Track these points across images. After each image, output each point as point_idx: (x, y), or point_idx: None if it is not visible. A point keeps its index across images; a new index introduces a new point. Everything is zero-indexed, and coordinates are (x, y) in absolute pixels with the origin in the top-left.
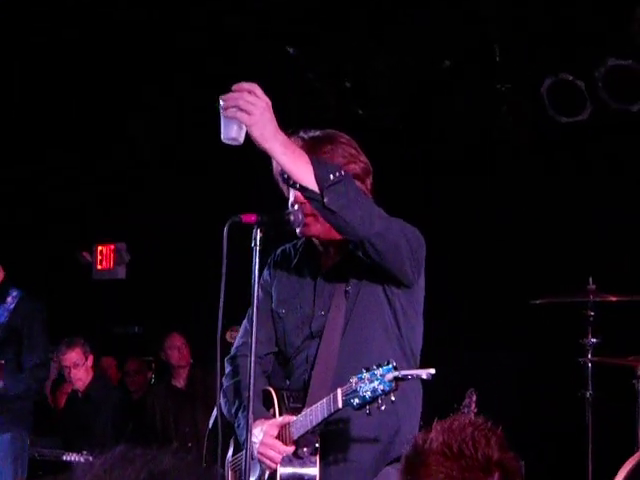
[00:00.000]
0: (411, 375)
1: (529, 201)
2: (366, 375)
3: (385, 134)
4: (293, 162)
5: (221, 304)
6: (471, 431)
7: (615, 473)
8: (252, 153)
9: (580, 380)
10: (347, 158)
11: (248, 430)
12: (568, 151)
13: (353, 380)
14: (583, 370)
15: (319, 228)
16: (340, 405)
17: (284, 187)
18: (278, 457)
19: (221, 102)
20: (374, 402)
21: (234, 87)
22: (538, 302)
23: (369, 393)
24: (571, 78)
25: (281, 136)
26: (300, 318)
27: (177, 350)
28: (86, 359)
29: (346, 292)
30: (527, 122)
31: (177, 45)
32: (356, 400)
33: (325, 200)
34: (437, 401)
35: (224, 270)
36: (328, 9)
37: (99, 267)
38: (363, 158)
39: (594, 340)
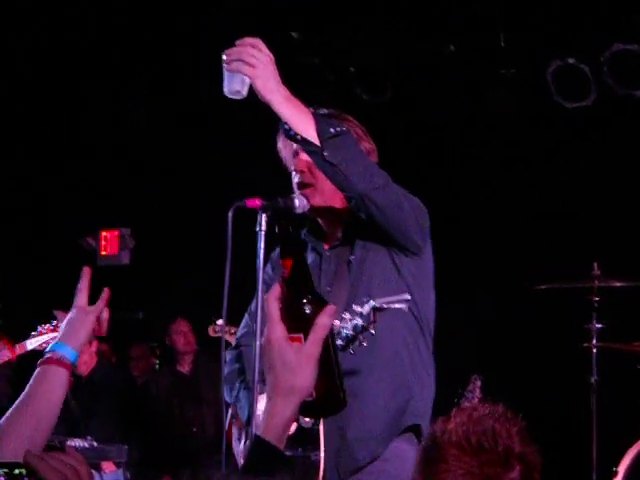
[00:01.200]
0: (387, 303)
1: (534, 186)
2: (346, 315)
3: (386, 117)
4: (295, 114)
5: (226, 289)
6: (491, 423)
7: (620, 458)
8: (257, 138)
9: (585, 365)
10: (356, 135)
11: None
12: (573, 136)
13: (336, 323)
14: (588, 355)
15: (319, 199)
16: None
17: (288, 158)
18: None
19: (224, 56)
20: (355, 340)
21: (237, 42)
22: (543, 287)
23: (351, 332)
24: (576, 63)
25: (283, 89)
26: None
27: (183, 336)
28: (90, 344)
29: (349, 262)
30: (532, 107)
31: (176, 27)
32: (339, 341)
33: (325, 153)
34: (442, 386)
35: (229, 255)
36: None
37: (103, 253)
38: (369, 139)
39: (599, 325)
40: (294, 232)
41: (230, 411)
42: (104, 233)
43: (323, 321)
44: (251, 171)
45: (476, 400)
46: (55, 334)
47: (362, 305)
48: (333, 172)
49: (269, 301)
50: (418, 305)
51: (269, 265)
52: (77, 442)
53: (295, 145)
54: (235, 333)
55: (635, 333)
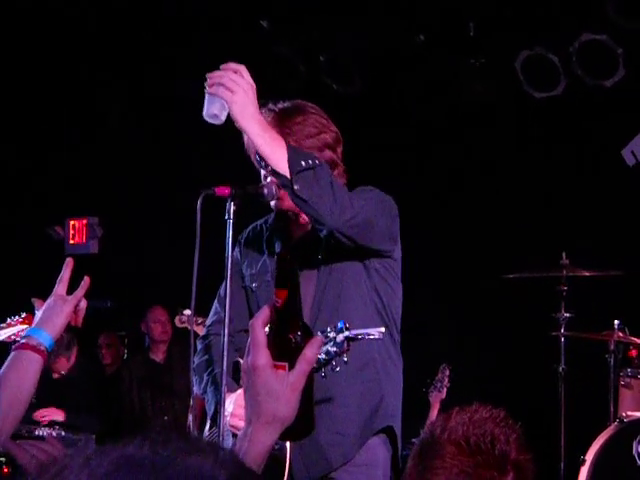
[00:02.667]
0: (362, 334)
1: (502, 176)
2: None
3: (356, 107)
4: (269, 145)
5: (194, 277)
6: (491, 426)
7: (588, 447)
8: (226, 126)
9: (553, 354)
10: (318, 128)
11: (221, 404)
12: (542, 126)
13: None
14: (556, 344)
15: (289, 202)
16: None
17: (255, 160)
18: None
19: (207, 79)
20: (328, 364)
21: (222, 66)
22: (511, 277)
23: (322, 355)
24: (545, 53)
25: (260, 118)
26: (272, 291)
27: (161, 324)
28: (71, 351)
29: (318, 260)
30: (501, 97)
31: (151, 17)
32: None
33: (295, 187)
34: (411, 376)
35: (197, 243)
36: None
37: (71, 242)
38: (333, 127)
39: (567, 315)
40: (292, 261)
41: (192, 402)
42: (72, 222)
43: (311, 354)
44: (220, 158)
45: (444, 389)
46: (24, 326)
47: (336, 329)
48: (304, 206)
49: (256, 326)
50: (386, 307)
51: (236, 249)
52: (44, 431)
53: None
54: (202, 323)
55: (603, 322)
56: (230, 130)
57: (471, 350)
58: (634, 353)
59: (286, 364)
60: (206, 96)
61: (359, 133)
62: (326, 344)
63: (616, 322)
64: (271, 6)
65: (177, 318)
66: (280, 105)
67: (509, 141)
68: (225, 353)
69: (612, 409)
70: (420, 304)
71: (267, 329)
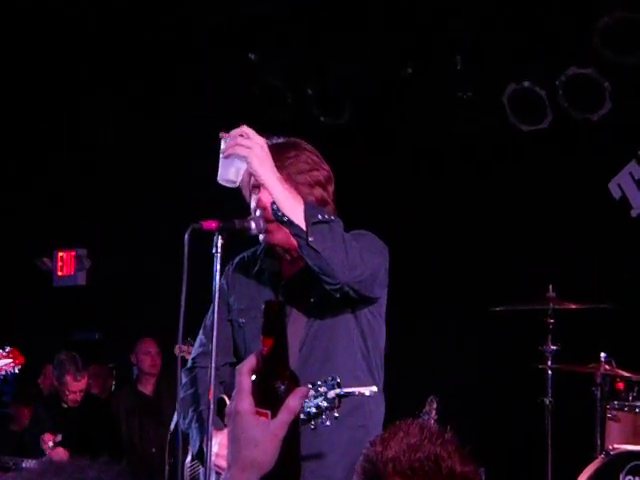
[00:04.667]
0: (353, 392)
1: (489, 208)
2: (311, 391)
3: (344, 138)
4: (286, 197)
5: (182, 311)
6: (430, 447)
7: (575, 479)
8: (215, 161)
9: (540, 387)
10: (310, 165)
11: (209, 439)
12: (528, 159)
13: None
14: (543, 377)
15: (282, 236)
16: None
17: (247, 193)
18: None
19: (222, 145)
20: (318, 417)
21: (227, 135)
22: (498, 309)
23: (313, 409)
24: (532, 86)
25: (277, 172)
26: (259, 327)
27: (150, 357)
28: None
29: (309, 303)
30: (488, 130)
31: (140, 48)
32: (300, 415)
33: (310, 238)
34: (398, 408)
35: (185, 277)
36: (292, 15)
37: (60, 273)
38: (326, 166)
39: (554, 347)
40: (280, 310)
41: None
42: (60, 253)
43: (294, 403)
44: (208, 191)
45: (432, 421)
46: (9, 360)
47: (327, 384)
48: (316, 258)
49: (242, 372)
50: (370, 352)
51: (223, 280)
52: (31, 463)
53: (254, 179)
54: None
55: (589, 355)
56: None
57: (458, 382)
58: (621, 386)
59: (269, 412)
60: (220, 162)
61: (346, 164)
62: (316, 398)
63: (602, 355)
64: (258, 38)
65: (177, 347)
66: (275, 140)
67: (495, 174)
68: (212, 387)
69: (599, 442)
70: (407, 336)
71: (253, 376)
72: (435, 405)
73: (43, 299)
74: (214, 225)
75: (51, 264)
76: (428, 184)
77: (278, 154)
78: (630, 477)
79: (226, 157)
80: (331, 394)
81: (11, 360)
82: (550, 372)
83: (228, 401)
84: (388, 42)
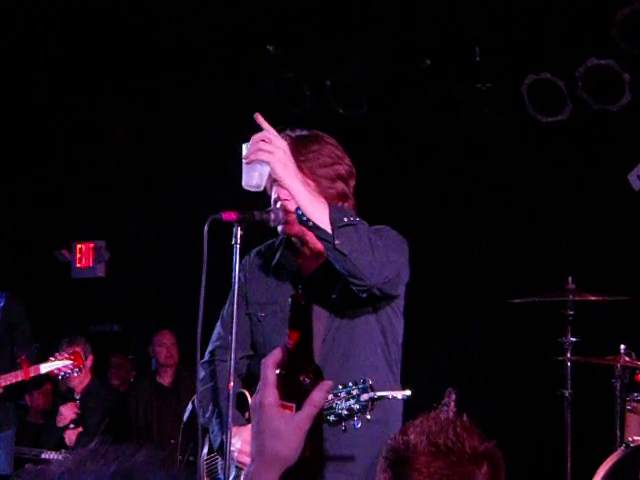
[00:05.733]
0: (387, 396)
1: (508, 200)
2: (342, 393)
3: (362, 132)
4: (310, 201)
5: (201, 302)
6: (452, 427)
7: (594, 472)
8: (233, 153)
9: (559, 379)
10: (333, 159)
11: (228, 435)
12: (548, 150)
13: (330, 397)
14: (562, 369)
15: (299, 228)
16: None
17: (268, 185)
18: (244, 457)
19: (243, 151)
20: (349, 419)
21: (252, 139)
22: (517, 301)
23: (345, 411)
24: (551, 78)
25: (300, 175)
26: (281, 322)
27: (165, 348)
28: (86, 359)
29: (331, 299)
30: (507, 121)
31: (157, 44)
32: (332, 417)
33: (336, 242)
34: (417, 401)
35: (204, 268)
36: (309, 8)
37: (78, 265)
38: (348, 161)
39: (573, 339)
40: (306, 305)
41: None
42: (79, 245)
43: (319, 397)
44: (227, 183)
45: (451, 414)
46: (68, 362)
47: (358, 386)
48: (343, 261)
49: (267, 365)
50: (389, 346)
51: (240, 273)
52: (52, 455)
53: None
54: None
55: (609, 347)
56: (236, 157)
57: (477, 374)
58: None
59: (294, 405)
60: (244, 168)
61: (363, 156)
62: (348, 400)
63: (622, 347)
64: (277, 31)
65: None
66: (298, 132)
67: (515, 165)
68: (232, 380)
69: (618, 434)
70: (426, 329)
71: (278, 370)
72: (454, 397)
73: (62, 291)
74: (234, 216)
75: (70, 256)
76: (447, 176)
77: (300, 147)
78: None
79: (248, 163)
80: (364, 397)
81: (71, 362)
82: (569, 364)
83: (248, 395)
84: (406, 34)
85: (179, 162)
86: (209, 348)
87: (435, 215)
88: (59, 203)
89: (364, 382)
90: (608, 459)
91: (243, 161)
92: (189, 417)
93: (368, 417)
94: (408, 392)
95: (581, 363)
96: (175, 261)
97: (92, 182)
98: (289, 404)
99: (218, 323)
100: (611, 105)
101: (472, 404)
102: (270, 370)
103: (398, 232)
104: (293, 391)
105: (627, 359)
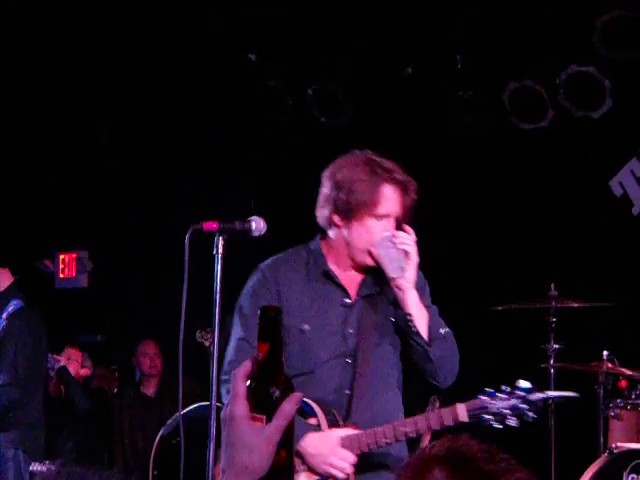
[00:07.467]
0: (558, 396)
1: (489, 207)
2: (499, 394)
3: (343, 139)
4: (420, 311)
5: (183, 312)
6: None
7: (578, 478)
8: (215, 163)
9: (542, 386)
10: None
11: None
12: (529, 157)
13: (483, 398)
14: (545, 376)
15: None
16: (465, 419)
17: (381, 212)
18: (349, 468)
19: (390, 237)
20: (506, 418)
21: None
22: (500, 308)
23: (508, 410)
24: (532, 85)
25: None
26: (328, 335)
27: (149, 358)
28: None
29: (377, 323)
30: (488, 128)
31: (140, 49)
32: (489, 415)
33: (430, 349)
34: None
35: (186, 277)
36: (292, 16)
37: (61, 276)
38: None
39: (556, 346)
40: (277, 316)
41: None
42: (62, 256)
43: (289, 408)
44: (208, 193)
45: None
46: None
47: (518, 388)
48: (430, 364)
49: (237, 377)
50: (398, 366)
51: (263, 284)
52: (36, 466)
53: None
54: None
55: (592, 353)
56: (218, 167)
57: (460, 382)
58: (624, 384)
59: (264, 417)
60: (384, 252)
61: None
62: (508, 400)
63: (605, 353)
64: (258, 39)
65: (198, 332)
66: (407, 177)
67: (496, 173)
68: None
69: (602, 440)
70: None
71: (248, 381)
72: (438, 405)
73: (45, 301)
74: (215, 226)
75: (52, 266)
76: (429, 184)
77: (409, 197)
78: (634, 475)
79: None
80: (534, 397)
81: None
82: (552, 371)
83: (313, 403)
84: (388, 42)
85: (162, 171)
86: (228, 359)
87: (416, 221)
88: (41, 213)
89: (519, 383)
90: (592, 465)
91: (382, 250)
92: (169, 432)
93: (533, 415)
94: (574, 393)
95: (564, 370)
96: (158, 271)
97: (75, 192)
98: (259, 416)
99: (240, 336)
100: (592, 112)
101: None
102: (240, 382)
103: None
104: (263, 403)
105: (610, 365)
